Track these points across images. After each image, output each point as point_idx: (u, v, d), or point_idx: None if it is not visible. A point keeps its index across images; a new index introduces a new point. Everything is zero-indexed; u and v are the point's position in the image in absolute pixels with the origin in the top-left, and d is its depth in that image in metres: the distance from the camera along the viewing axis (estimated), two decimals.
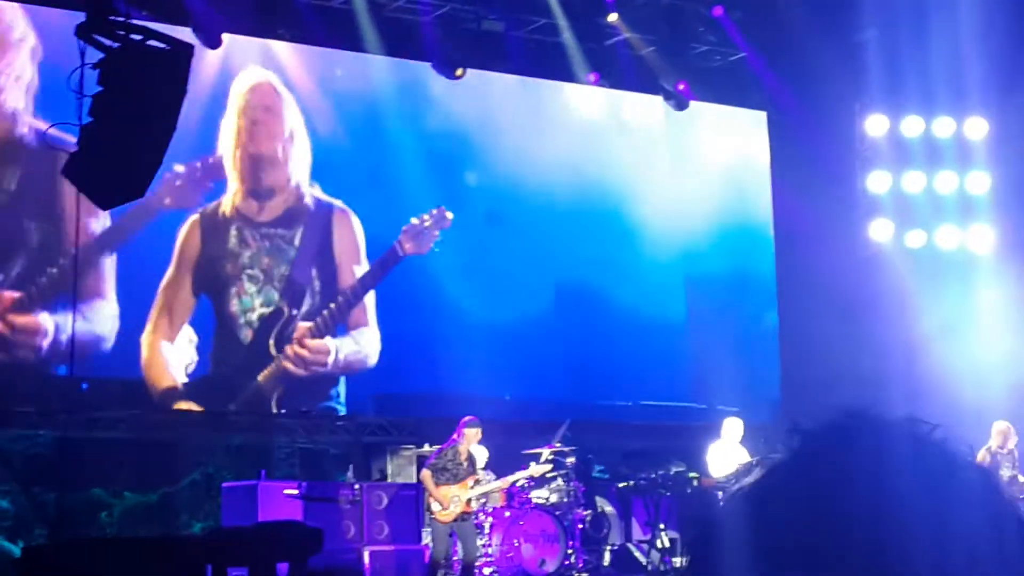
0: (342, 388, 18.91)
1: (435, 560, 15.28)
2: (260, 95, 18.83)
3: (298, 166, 18.97)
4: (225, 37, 18.20)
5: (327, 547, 11.58)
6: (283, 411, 18.34)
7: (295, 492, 15.47)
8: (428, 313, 19.25)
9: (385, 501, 16.08)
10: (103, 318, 17.23)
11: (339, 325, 18.87)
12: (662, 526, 18.22)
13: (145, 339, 17.57)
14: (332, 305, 18.83)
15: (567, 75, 20.36)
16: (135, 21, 11.15)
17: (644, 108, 21.35)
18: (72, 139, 11.50)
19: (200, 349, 17.95)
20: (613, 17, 19.81)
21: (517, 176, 20.17)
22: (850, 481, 1.66)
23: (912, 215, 21.16)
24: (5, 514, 16.23)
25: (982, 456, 17.08)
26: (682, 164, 21.60)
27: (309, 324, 18.59)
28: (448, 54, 19.36)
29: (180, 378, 17.69)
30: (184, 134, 17.71)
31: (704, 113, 21.84)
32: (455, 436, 15.73)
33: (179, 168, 17.59)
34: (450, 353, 18.96)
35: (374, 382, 19.12)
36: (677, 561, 17.85)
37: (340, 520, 15.52)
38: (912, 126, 21.10)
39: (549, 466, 16.79)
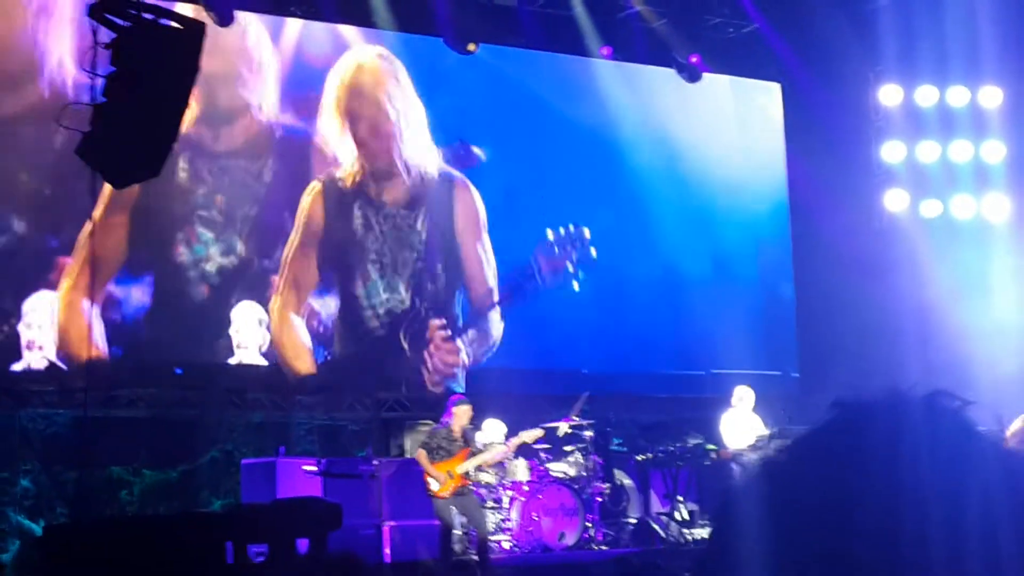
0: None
1: (444, 533, 15.32)
2: (368, 73, 19.16)
3: (413, 143, 19.20)
4: (295, 22, 18.52)
5: (346, 523, 11.60)
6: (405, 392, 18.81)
7: (314, 468, 15.51)
8: None
9: (404, 477, 16.12)
10: None
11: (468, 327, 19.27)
12: (680, 498, 18.25)
13: (273, 307, 17.95)
14: (464, 319, 19.31)
15: (580, 48, 20.31)
16: (147, 0, 11.14)
17: (656, 80, 21.33)
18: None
19: (325, 326, 18.41)
20: None
21: (534, 146, 20.23)
22: (891, 457, 1.67)
23: (927, 185, 21.09)
24: (26, 493, 16.30)
25: (1016, 427, 16.91)
26: (697, 135, 21.57)
27: (440, 323, 18.90)
28: (460, 29, 19.34)
29: (309, 349, 18.21)
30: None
31: (718, 85, 21.82)
32: (446, 416, 15.74)
33: None
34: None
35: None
36: (696, 533, 17.88)
37: (359, 496, 15.56)
38: (926, 95, 21.02)
39: (541, 432, 16.67)
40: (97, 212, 16.36)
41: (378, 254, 18.70)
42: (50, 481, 16.37)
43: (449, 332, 18.94)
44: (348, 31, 19.20)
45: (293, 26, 18.87)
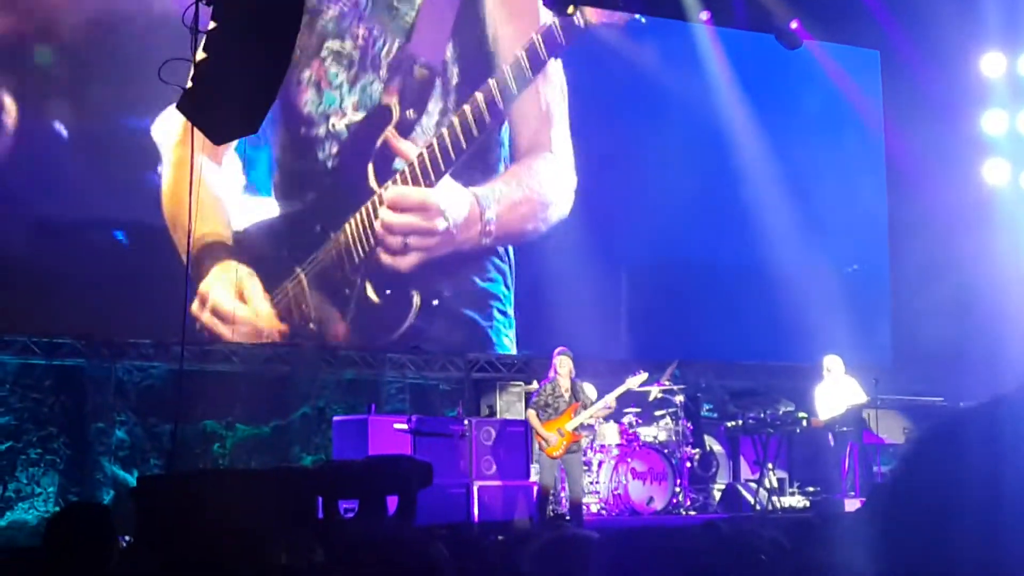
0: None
1: (543, 493, 15.33)
2: None
3: None
4: None
5: (436, 481, 11.64)
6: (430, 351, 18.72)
7: (405, 426, 15.58)
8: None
9: (493, 437, 16.17)
10: None
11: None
12: (770, 466, 18.20)
13: None
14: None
15: (679, 13, 20.17)
16: None
17: (755, 46, 21.16)
18: None
19: None
20: None
21: (629, 111, 20.15)
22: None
23: None
24: (121, 444, 16.50)
25: None
26: (795, 103, 21.41)
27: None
28: None
29: None
30: None
31: (817, 52, 21.61)
32: (551, 372, 15.63)
33: None
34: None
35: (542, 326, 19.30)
36: (785, 501, 17.83)
37: (449, 455, 15.63)
38: None
39: (644, 376, 16.42)
40: None
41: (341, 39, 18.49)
42: (145, 433, 16.56)
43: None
44: None
45: None
